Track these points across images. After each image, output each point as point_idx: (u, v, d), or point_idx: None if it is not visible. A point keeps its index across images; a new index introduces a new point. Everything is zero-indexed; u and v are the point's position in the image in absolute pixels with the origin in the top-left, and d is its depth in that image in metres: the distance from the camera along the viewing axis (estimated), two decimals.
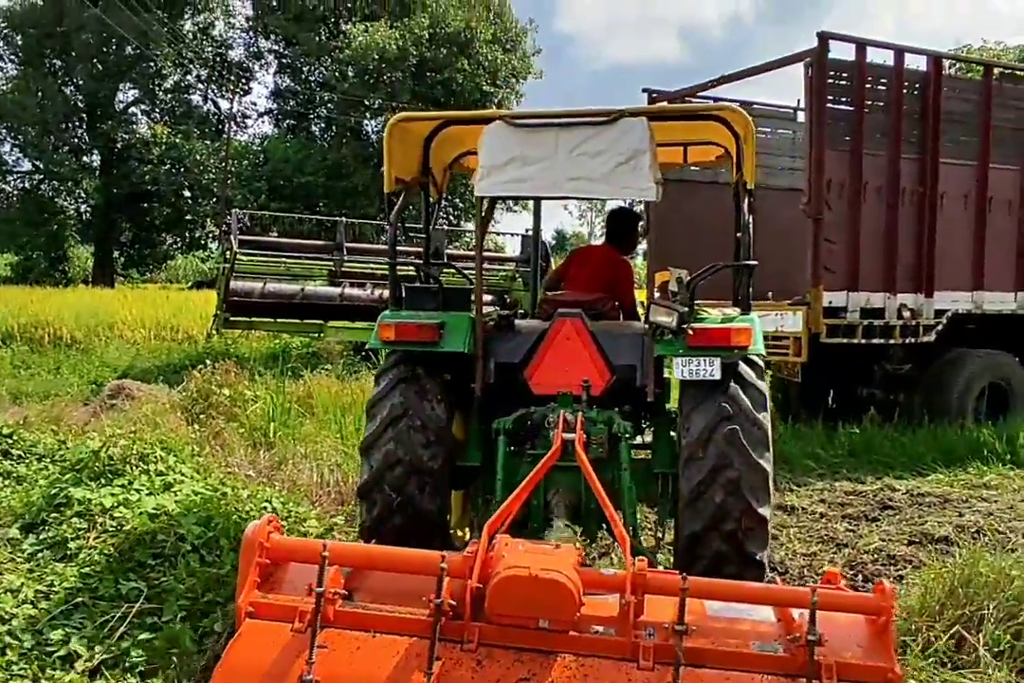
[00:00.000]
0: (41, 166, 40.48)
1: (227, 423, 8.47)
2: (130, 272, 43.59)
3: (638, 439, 4.82)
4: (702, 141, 5.17)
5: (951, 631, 4.00)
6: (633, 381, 4.47)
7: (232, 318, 14.42)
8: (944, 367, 9.64)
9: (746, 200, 4.41)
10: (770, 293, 10.18)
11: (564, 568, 2.94)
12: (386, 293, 14.20)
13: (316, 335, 14.97)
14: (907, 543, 6.03)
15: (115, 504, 4.84)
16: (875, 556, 5.75)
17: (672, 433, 4.54)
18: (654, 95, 10.83)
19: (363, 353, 13.87)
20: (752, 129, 4.28)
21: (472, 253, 19.08)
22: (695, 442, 4.04)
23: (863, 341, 9.02)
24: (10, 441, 6.81)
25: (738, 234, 4.58)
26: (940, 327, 9.44)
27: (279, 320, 14.72)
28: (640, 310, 5.38)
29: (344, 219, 15.67)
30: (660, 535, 5.26)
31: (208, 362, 9.79)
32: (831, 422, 9.73)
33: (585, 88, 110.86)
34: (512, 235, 15.79)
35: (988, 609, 3.95)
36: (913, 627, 4.14)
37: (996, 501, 7.22)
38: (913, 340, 9.33)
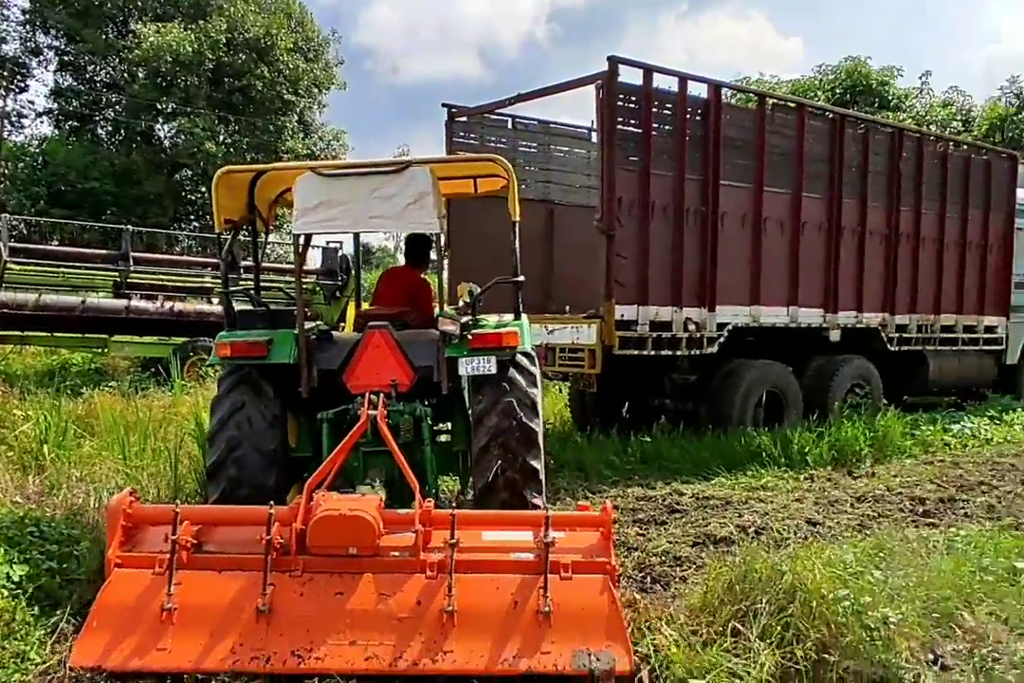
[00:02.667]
0: None
1: None
2: None
3: (441, 426, 5.90)
4: (489, 174, 6.26)
5: (728, 625, 4.21)
6: (432, 379, 5.49)
7: (1, 332, 13.29)
8: (726, 377, 10.23)
9: (514, 227, 5.66)
10: (567, 306, 10.51)
11: (368, 509, 3.98)
12: (178, 306, 13.82)
13: (99, 350, 14.04)
14: (692, 544, 6.32)
15: None
16: (662, 558, 5.98)
17: (467, 420, 5.63)
18: (453, 110, 10.95)
19: (152, 369, 13.18)
20: (513, 175, 5.48)
21: (278, 266, 18.87)
22: (481, 412, 5.27)
23: (653, 353, 9.43)
24: None
25: (517, 255, 5.73)
26: (722, 339, 10.01)
27: (56, 334, 13.71)
28: None
29: (130, 227, 14.80)
30: (460, 499, 6.53)
31: None
32: (625, 431, 10.12)
33: (387, 101, 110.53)
34: (313, 247, 15.39)
35: (761, 603, 4.17)
36: (696, 624, 4.33)
37: (772, 502, 7.71)
38: (698, 352, 9.85)
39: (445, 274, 7.28)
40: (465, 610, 3.83)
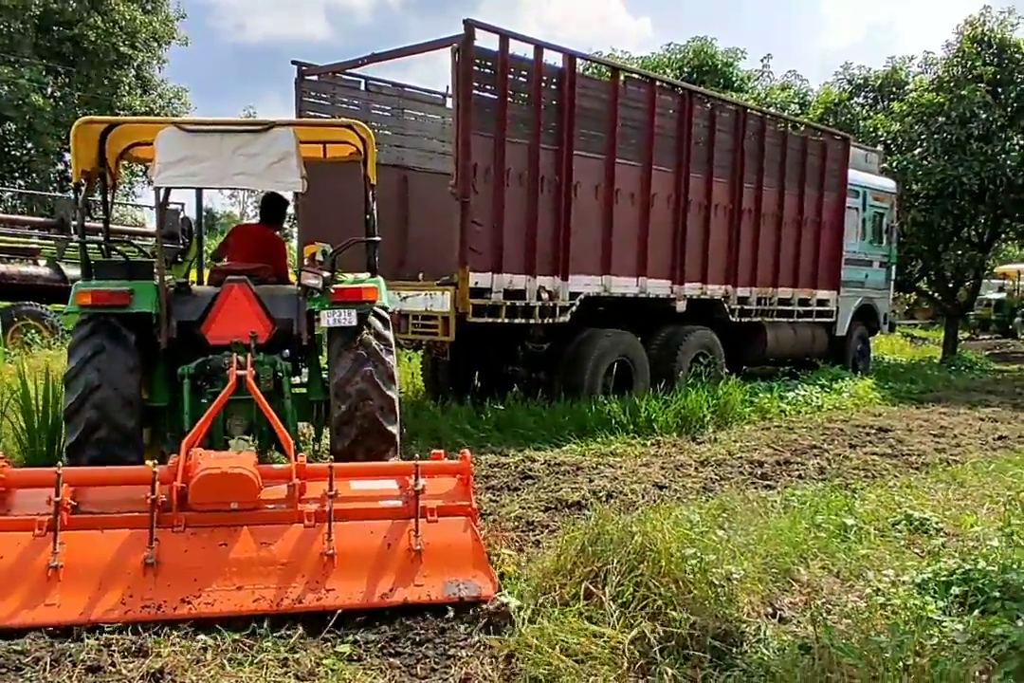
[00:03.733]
0: None
1: None
2: None
3: (296, 379, 6.01)
4: (338, 140, 6.42)
5: (582, 587, 4.26)
6: (291, 331, 5.72)
7: None
8: (578, 346, 10.38)
9: (371, 192, 6.03)
10: (421, 274, 10.39)
11: (247, 465, 4.26)
12: (0, 267, 12.95)
13: None
14: (544, 509, 6.38)
15: None
16: (516, 523, 6.01)
17: (322, 372, 6.06)
18: (304, 67, 10.56)
19: None
20: (372, 139, 5.81)
21: (116, 227, 17.92)
22: (342, 381, 5.52)
23: (506, 321, 9.45)
24: None
25: (366, 216, 6.14)
26: (574, 308, 10.14)
27: None
28: (292, 277, 6.62)
29: None
30: (316, 447, 6.90)
31: None
32: (478, 399, 10.13)
33: (231, 59, 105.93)
34: (151, 209, 14.73)
35: (613, 564, 4.24)
36: (547, 585, 4.37)
37: (621, 467, 7.89)
38: (551, 320, 9.95)
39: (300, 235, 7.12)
40: (343, 552, 4.22)
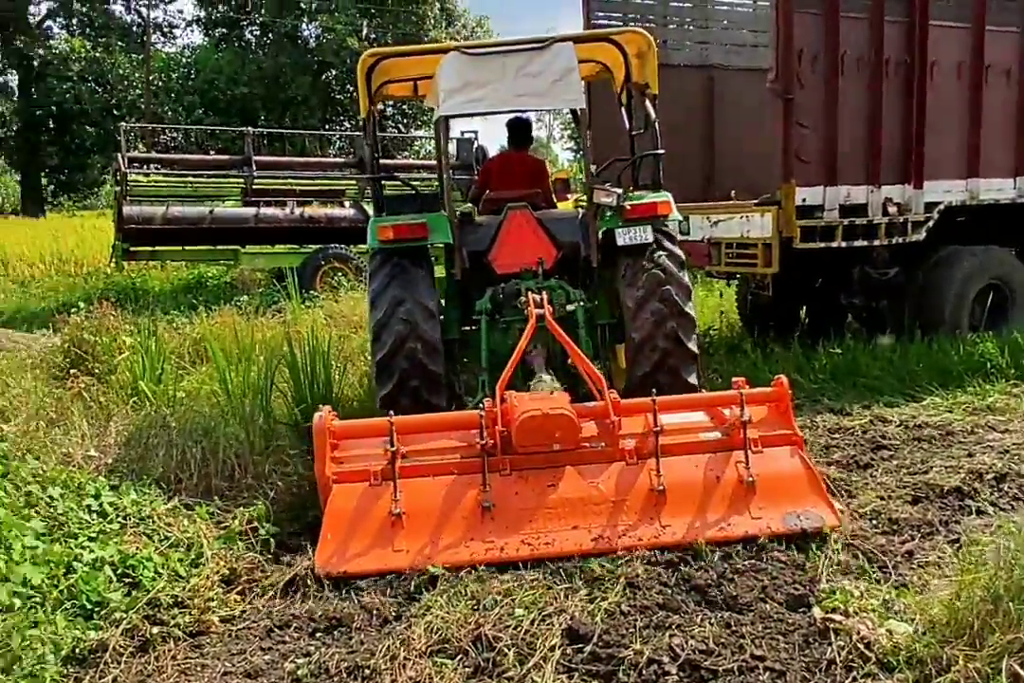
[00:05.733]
0: None
1: (97, 381, 7.07)
2: (61, 199, 40.75)
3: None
4: (586, 59, 6.07)
5: (1001, 665, 2.80)
6: (575, 255, 5.62)
7: (132, 248, 12.76)
8: (935, 269, 8.32)
9: (652, 102, 5.74)
10: (733, 192, 8.81)
11: (565, 405, 4.18)
12: (308, 211, 13.11)
13: (231, 263, 13.39)
14: (911, 500, 4.82)
15: None
16: (874, 522, 4.54)
17: (608, 292, 5.78)
18: None
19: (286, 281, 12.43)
20: (652, 45, 5.63)
21: (416, 163, 17.97)
22: (639, 302, 5.28)
23: (843, 245, 7.68)
24: None
25: (632, 132, 6.18)
26: (931, 223, 8.10)
27: (187, 248, 13.11)
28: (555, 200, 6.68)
29: (250, 129, 13.89)
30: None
31: (81, 304, 8.28)
32: (808, 340, 8.46)
33: None
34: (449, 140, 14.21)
35: None
36: (944, 658, 2.95)
37: (1006, 431, 6.07)
38: (900, 239, 8.01)
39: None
40: (672, 488, 4.15)
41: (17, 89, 39.23)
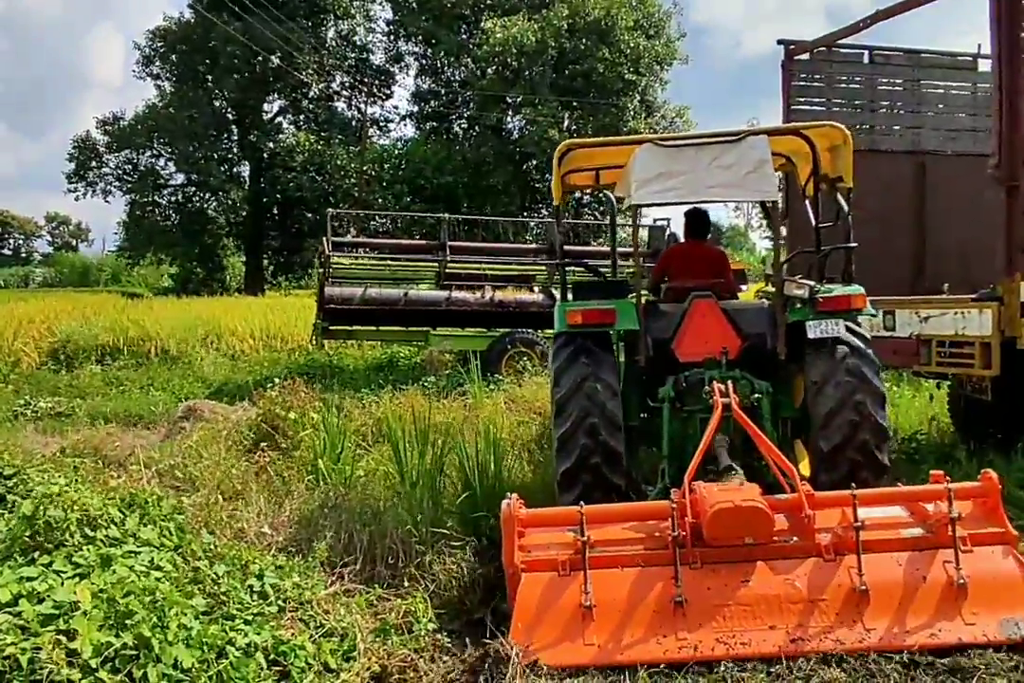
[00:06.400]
0: (194, 178, 41.42)
1: (283, 456, 7.24)
2: (280, 279, 43.93)
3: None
4: (775, 152, 5.89)
5: None
6: (760, 346, 5.58)
7: (332, 327, 13.35)
8: None
9: (846, 195, 5.73)
10: (946, 285, 8.13)
11: (757, 498, 4.11)
12: (498, 295, 13.30)
13: (422, 344, 13.73)
14: None
15: (14, 596, 3.55)
16: None
17: (791, 386, 5.71)
18: (791, 46, 8.95)
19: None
20: (848, 138, 5.64)
21: (594, 248, 18.08)
22: (831, 411, 5.12)
23: None
24: (8, 485, 5.69)
25: (818, 225, 6.04)
26: None
27: (381, 328, 13.56)
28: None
29: (446, 215, 14.38)
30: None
31: (276, 380, 8.61)
32: None
33: (730, 75, 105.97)
34: (641, 227, 14.21)
35: None
36: None
37: None
38: None
39: (782, 243, 6.40)
40: (874, 587, 3.95)
41: (248, 179, 43.01)
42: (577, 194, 37.83)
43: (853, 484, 4.69)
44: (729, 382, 5.11)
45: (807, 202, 6.15)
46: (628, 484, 5.30)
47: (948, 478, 4.30)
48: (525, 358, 12.44)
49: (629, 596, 4.01)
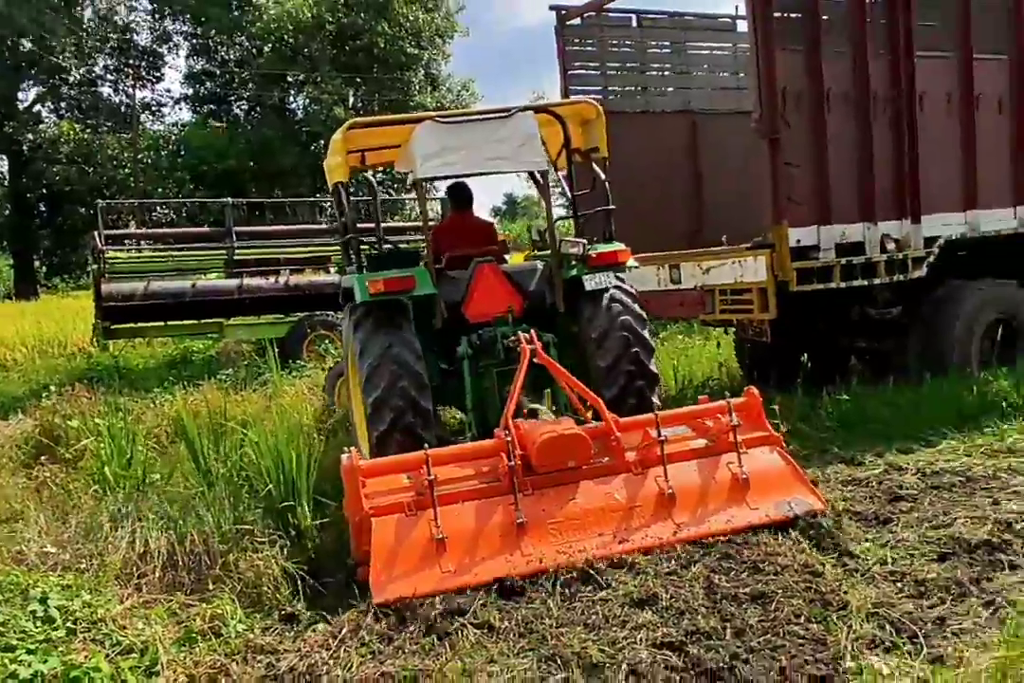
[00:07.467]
0: None
1: (66, 468, 6.69)
2: (56, 281, 40.78)
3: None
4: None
5: None
6: (541, 302, 6.15)
7: (114, 326, 12.48)
8: (939, 306, 7.99)
9: (602, 165, 6.36)
10: (725, 237, 8.52)
11: (575, 427, 4.82)
12: (292, 279, 12.80)
13: (216, 336, 13.09)
14: (938, 558, 4.42)
15: None
16: (899, 584, 4.14)
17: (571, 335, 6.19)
18: (563, 11, 9.03)
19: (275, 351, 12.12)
20: (600, 113, 6.31)
21: (405, 224, 17.86)
22: (603, 333, 5.90)
23: (842, 285, 7.36)
24: None
25: (574, 193, 6.63)
26: (932, 258, 7.80)
27: (170, 323, 12.82)
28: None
29: (230, 200, 13.76)
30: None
31: (53, 387, 7.94)
32: (813, 387, 8.07)
33: (512, 45, 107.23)
34: (434, 200, 14.24)
35: None
36: None
37: None
38: (901, 277, 7.69)
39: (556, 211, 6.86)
40: (679, 491, 4.69)
41: (8, 174, 39.54)
42: (370, 172, 37.30)
43: (630, 398, 5.82)
44: (532, 331, 5.51)
45: (560, 173, 6.61)
46: (437, 442, 5.49)
47: (728, 394, 5.16)
48: (327, 341, 12.11)
49: (476, 525, 4.45)
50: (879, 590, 4.06)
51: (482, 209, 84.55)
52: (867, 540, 4.71)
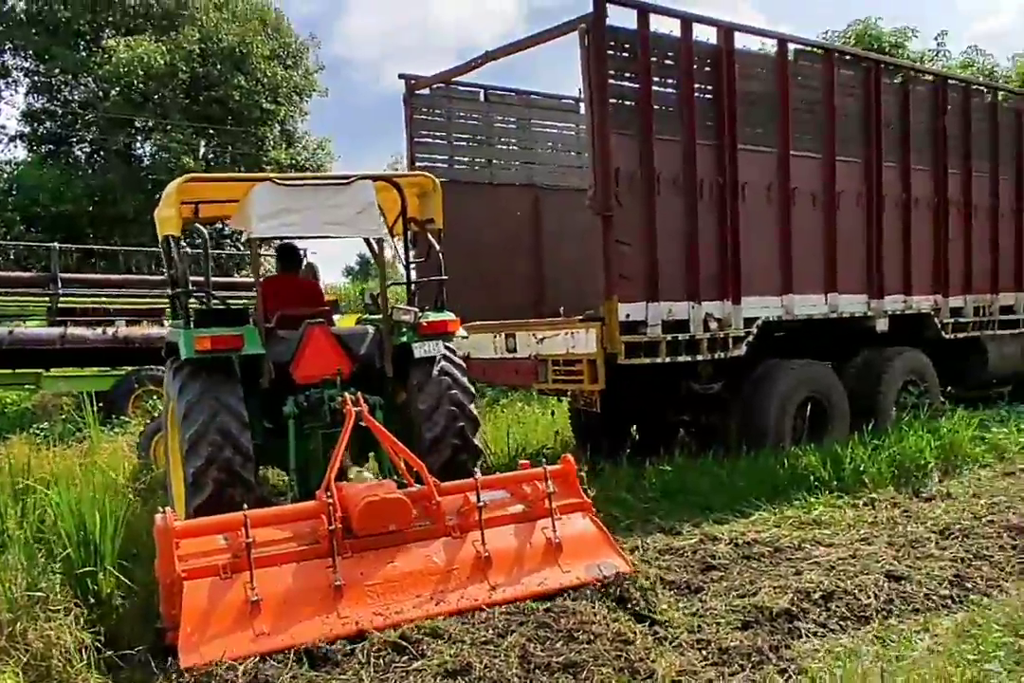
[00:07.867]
0: None
1: None
2: None
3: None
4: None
5: None
6: (371, 366, 6.22)
7: None
8: (757, 383, 8.46)
9: (437, 235, 6.55)
10: (562, 308, 8.79)
11: (395, 491, 4.86)
12: (123, 331, 12.19)
13: (33, 387, 12.31)
14: (741, 626, 4.61)
15: None
16: (704, 651, 4.29)
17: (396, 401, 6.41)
18: (412, 81, 9.24)
19: (99, 406, 11.47)
20: (437, 185, 6.51)
21: (239, 280, 17.44)
22: (431, 406, 6.03)
23: (668, 360, 7.68)
24: None
25: (409, 262, 6.78)
26: (751, 338, 8.27)
27: None
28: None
29: (57, 245, 13.12)
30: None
31: None
32: (638, 457, 8.33)
33: (372, 107, 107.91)
34: (272, 257, 13.98)
35: None
36: None
37: (834, 546, 6.04)
38: (722, 354, 8.11)
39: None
40: (495, 554, 4.84)
41: None
42: (218, 225, 36.47)
43: (452, 470, 5.78)
44: (359, 394, 5.56)
45: (394, 240, 6.76)
46: (258, 502, 5.36)
47: (545, 460, 5.45)
48: (155, 397, 11.56)
49: (292, 588, 4.42)
50: (685, 658, 4.19)
51: (335, 268, 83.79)
52: (678, 608, 4.86)
